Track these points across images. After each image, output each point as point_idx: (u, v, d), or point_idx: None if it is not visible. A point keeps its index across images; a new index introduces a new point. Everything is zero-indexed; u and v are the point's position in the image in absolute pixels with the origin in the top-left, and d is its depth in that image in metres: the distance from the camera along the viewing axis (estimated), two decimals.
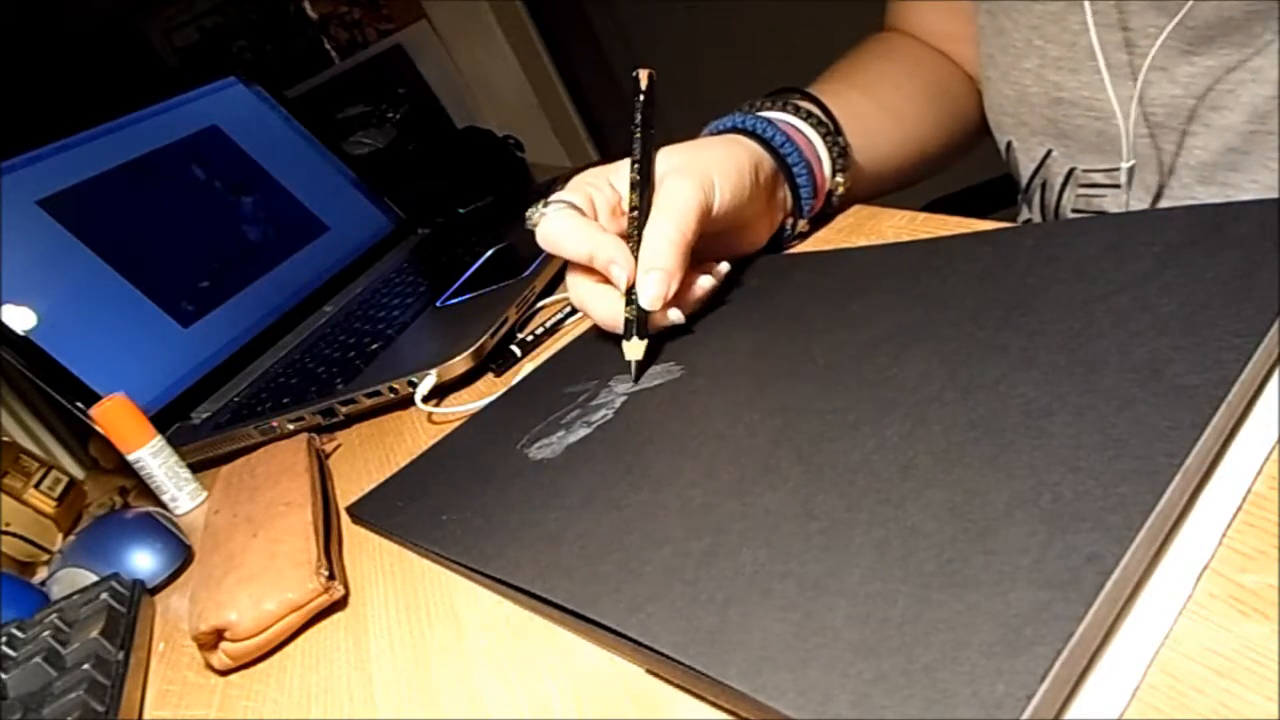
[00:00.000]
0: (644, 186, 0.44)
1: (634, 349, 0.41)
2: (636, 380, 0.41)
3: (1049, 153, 0.51)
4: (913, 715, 0.19)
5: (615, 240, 0.43)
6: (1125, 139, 0.44)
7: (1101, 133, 0.47)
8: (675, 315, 0.43)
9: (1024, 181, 0.54)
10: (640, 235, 0.43)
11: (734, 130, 0.48)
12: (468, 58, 1.63)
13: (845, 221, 0.52)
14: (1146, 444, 0.23)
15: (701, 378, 0.39)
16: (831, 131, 0.50)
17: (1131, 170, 0.44)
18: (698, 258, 0.44)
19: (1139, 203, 0.47)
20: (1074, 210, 0.50)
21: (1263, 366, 0.25)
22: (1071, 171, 0.50)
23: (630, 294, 0.42)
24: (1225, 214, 0.31)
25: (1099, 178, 0.48)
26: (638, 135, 0.46)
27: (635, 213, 0.44)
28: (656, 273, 0.41)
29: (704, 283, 0.45)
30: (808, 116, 0.50)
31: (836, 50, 0.63)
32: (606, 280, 0.43)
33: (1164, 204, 0.46)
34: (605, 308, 0.43)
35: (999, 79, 0.52)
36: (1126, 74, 0.43)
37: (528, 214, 0.45)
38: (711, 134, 0.50)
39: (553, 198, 0.45)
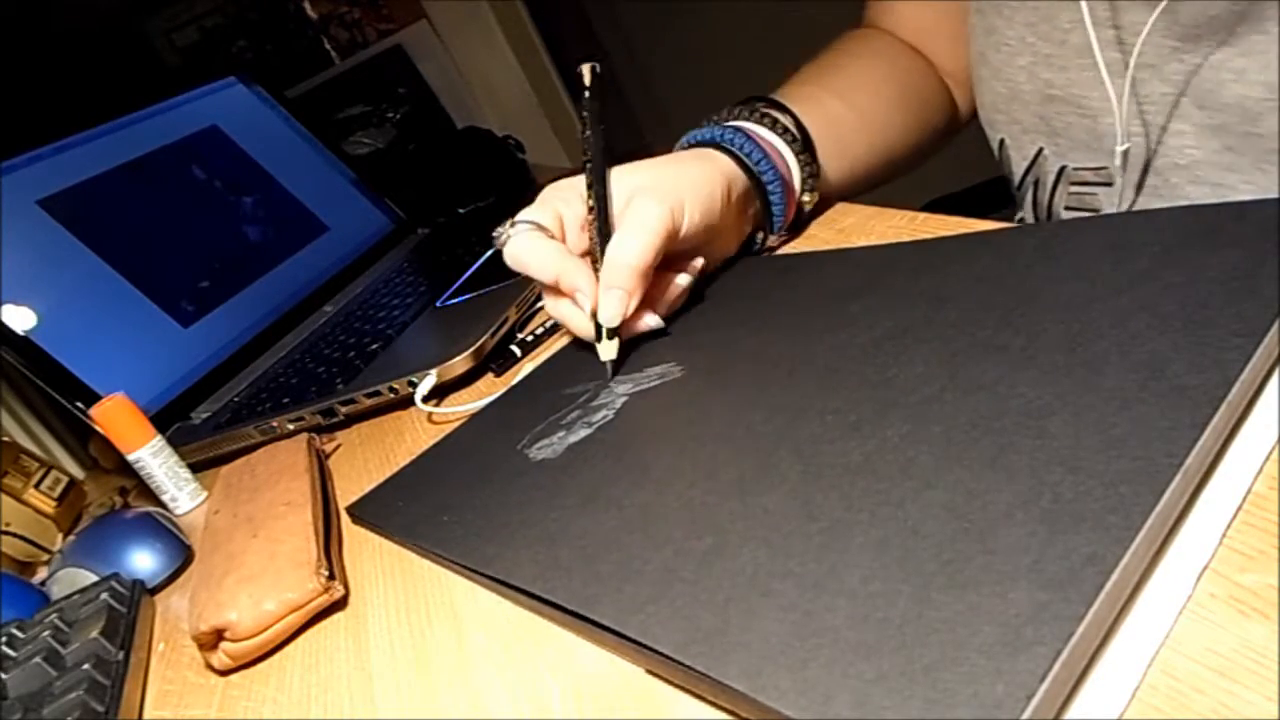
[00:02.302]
0: (599, 189, 0.45)
1: (607, 349, 0.43)
2: (612, 377, 0.42)
3: (1040, 150, 0.51)
4: (913, 715, 0.19)
5: (579, 266, 0.44)
6: (1120, 126, 0.44)
7: (1091, 130, 0.47)
8: (652, 320, 0.45)
9: (1017, 180, 0.54)
10: (599, 242, 0.44)
11: (711, 144, 0.49)
12: (468, 58, 1.63)
13: (845, 221, 0.52)
14: (1146, 444, 0.23)
15: (701, 378, 0.39)
16: (805, 149, 0.50)
17: (1126, 154, 0.44)
18: (670, 261, 0.45)
19: (1130, 201, 0.47)
20: (1066, 208, 0.51)
21: (1263, 366, 0.25)
22: (1063, 169, 0.50)
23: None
24: (1225, 214, 0.31)
25: (1089, 175, 0.49)
26: (588, 134, 0.46)
27: (593, 218, 0.45)
28: (616, 291, 0.42)
29: (681, 281, 0.46)
30: (784, 132, 0.50)
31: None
32: None
33: (1156, 204, 0.46)
34: (581, 322, 0.45)
35: (990, 77, 0.52)
36: (1118, 70, 0.43)
37: (495, 233, 0.46)
38: (687, 146, 0.50)
39: (520, 216, 0.46)
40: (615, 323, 0.42)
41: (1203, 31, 0.40)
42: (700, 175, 0.45)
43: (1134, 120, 0.44)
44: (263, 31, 1.51)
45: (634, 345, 0.45)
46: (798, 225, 0.52)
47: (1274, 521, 0.22)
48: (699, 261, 0.47)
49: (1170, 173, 0.44)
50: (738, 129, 0.49)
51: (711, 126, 0.50)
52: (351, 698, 0.33)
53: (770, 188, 0.48)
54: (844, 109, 0.56)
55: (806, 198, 0.51)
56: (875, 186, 0.61)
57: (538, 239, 0.45)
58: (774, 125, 0.50)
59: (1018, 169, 0.54)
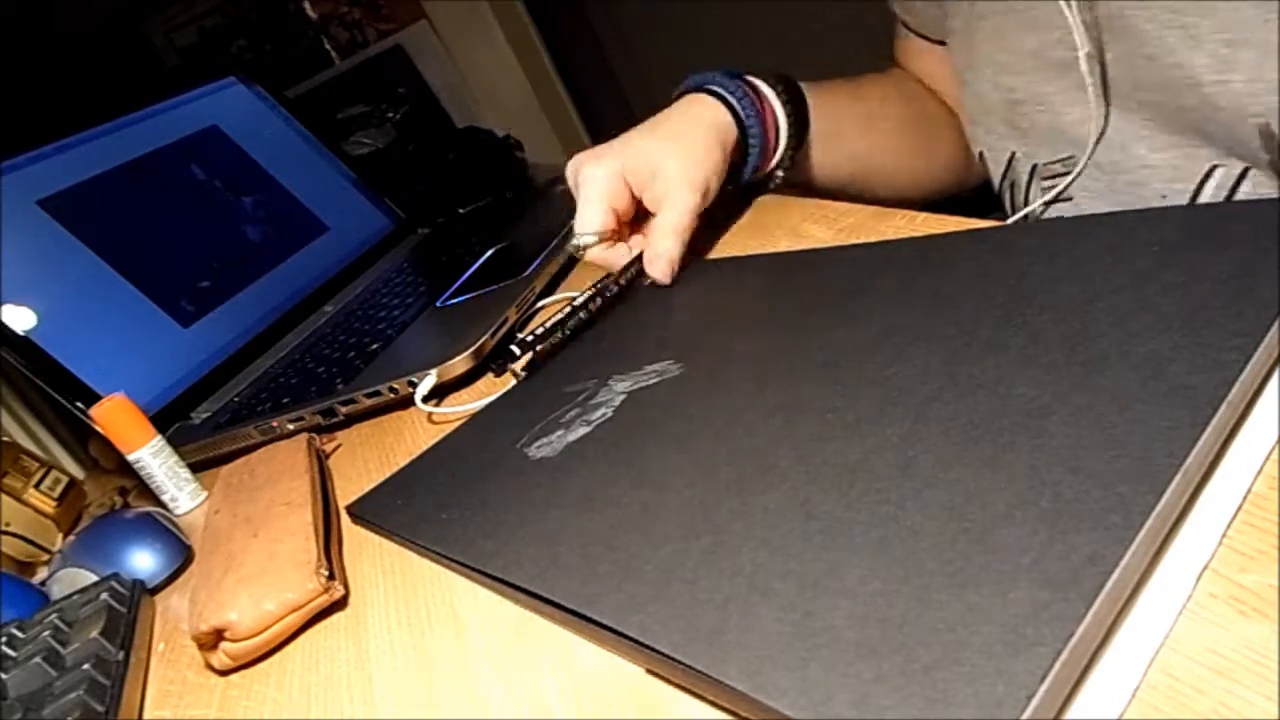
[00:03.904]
0: None
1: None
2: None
3: (1012, 155, 0.54)
4: (913, 715, 0.19)
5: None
6: (1078, 37, 0.45)
7: (1053, 123, 0.50)
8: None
9: (996, 187, 0.58)
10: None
11: (712, 94, 0.54)
12: (468, 58, 1.63)
13: (845, 221, 0.52)
14: (1146, 444, 0.23)
15: (700, 376, 0.39)
16: (793, 100, 0.56)
17: (1089, 56, 0.46)
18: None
19: (1093, 179, 0.50)
20: (1043, 203, 0.53)
21: (1263, 366, 0.25)
22: (1034, 168, 0.53)
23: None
24: (1225, 214, 0.31)
25: (1057, 168, 0.52)
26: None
27: None
28: (660, 259, 0.51)
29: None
30: (784, 91, 0.56)
31: (834, 51, 0.64)
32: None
33: (1118, 179, 0.49)
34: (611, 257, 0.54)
35: (968, 96, 0.56)
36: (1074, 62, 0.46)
37: (570, 246, 0.54)
38: (694, 89, 0.56)
39: (579, 231, 0.53)
40: (668, 279, 0.51)
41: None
42: (713, 147, 0.52)
43: (1082, 102, 0.47)
44: (263, 31, 1.51)
45: (633, 338, 0.45)
46: (763, 192, 0.58)
47: (1274, 521, 0.22)
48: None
49: (1133, 145, 0.47)
50: (744, 83, 0.55)
51: (716, 74, 0.56)
52: (351, 698, 0.33)
53: (751, 132, 0.54)
54: (851, 101, 0.61)
55: (783, 144, 0.56)
56: (875, 198, 0.63)
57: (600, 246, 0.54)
58: (775, 83, 0.56)
59: (995, 178, 0.57)
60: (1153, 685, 0.20)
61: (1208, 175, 0.45)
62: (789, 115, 0.56)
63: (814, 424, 0.31)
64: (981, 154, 0.57)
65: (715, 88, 0.55)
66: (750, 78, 0.56)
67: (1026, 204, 0.54)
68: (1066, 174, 0.51)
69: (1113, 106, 0.47)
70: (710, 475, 0.31)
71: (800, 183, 0.59)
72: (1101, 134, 0.48)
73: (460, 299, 0.66)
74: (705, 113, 0.53)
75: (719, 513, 0.29)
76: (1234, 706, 0.18)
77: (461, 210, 1.00)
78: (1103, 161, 0.49)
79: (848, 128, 0.60)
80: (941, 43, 0.60)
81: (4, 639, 0.42)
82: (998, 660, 0.19)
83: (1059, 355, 0.28)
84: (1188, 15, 0.41)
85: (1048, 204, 0.53)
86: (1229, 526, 0.22)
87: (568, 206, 0.57)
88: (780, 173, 0.57)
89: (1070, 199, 0.51)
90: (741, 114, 0.54)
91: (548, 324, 0.57)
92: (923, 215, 0.47)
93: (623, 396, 0.40)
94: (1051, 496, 0.23)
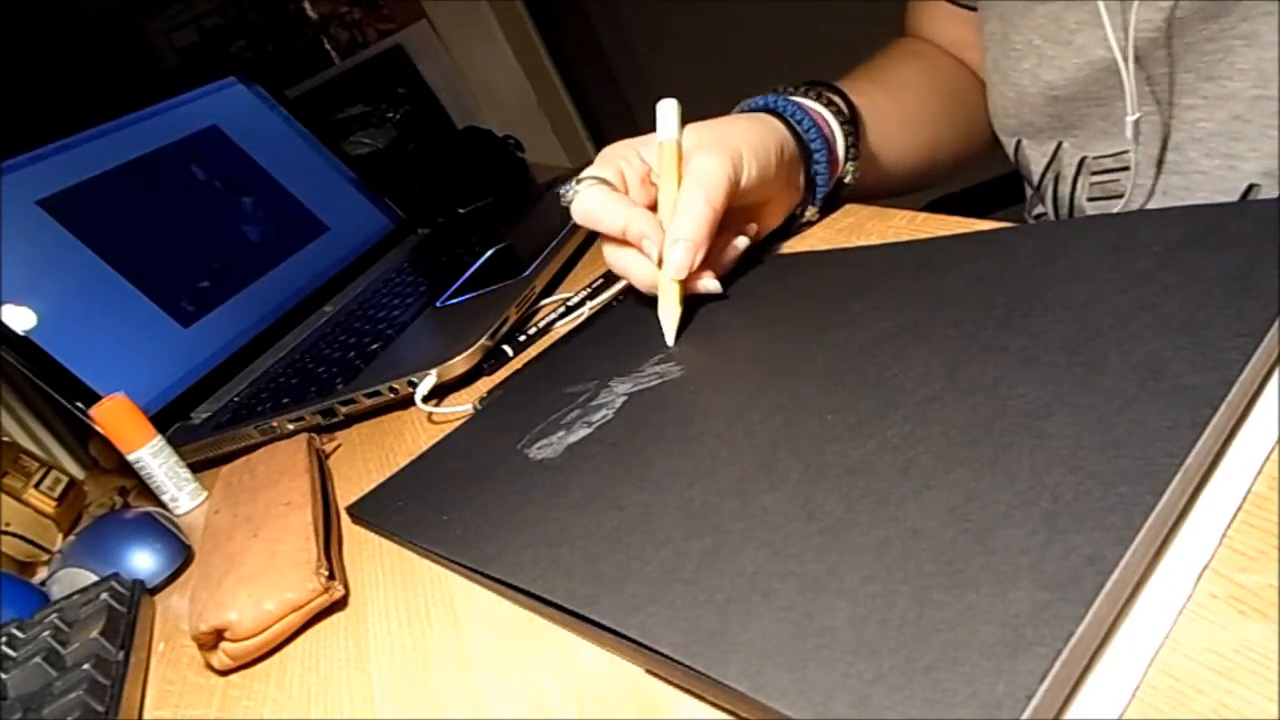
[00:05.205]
0: None
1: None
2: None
3: (1059, 145, 0.52)
4: (913, 715, 0.19)
5: (646, 214, 0.45)
6: (1129, 98, 0.44)
7: (1106, 117, 0.48)
8: (711, 284, 0.45)
9: (1036, 178, 0.54)
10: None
11: (765, 110, 0.50)
12: (468, 58, 1.63)
13: (845, 221, 0.52)
14: (1146, 444, 0.23)
15: (701, 378, 0.39)
16: (849, 121, 0.52)
17: (1137, 124, 0.45)
18: (724, 225, 0.46)
19: (1146, 178, 0.48)
20: (1089, 199, 0.52)
21: (1263, 366, 0.25)
22: (1083, 161, 0.51)
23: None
24: (1225, 214, 0.31)
25: (1109, 163, 0.50)
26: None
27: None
28: (684, 243, 0.43)
29: (739, 243, 0.47)
30: (829, 104, 0.52)
31: (834, 47, 0.63)
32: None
33: (1174, 180, 0.47)
34: (643, 272, 0.46)
35: (1000, 82, 0.54)
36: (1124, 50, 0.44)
37: (561, 191, 0.48)
38: (743, 111, 0.52)
39: (585, 174, 0.47)
40: (683, 274, 0.43)
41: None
42: (757, 132, 0.47)
43: (1147, 99, 0.45)
44: (263, 31, 1.51)
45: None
46: (833, 206, 0.53)
47: (1274, 521, 0.22)
48: (753, 225, 0.48)
49: (1187, 147, 0.45)
50: (791, 101, 0.51)
51: (767, 96, 0.52)
52: (351, 698, 0.33)
53: (816, 156, 0.50)
54: (892, 107, 0.58)
55: (850, 166, 0.52)
56: (918, 188, 0.63)
57: (604, 192, 0.46)
58: (819, 97, 0.52)
59: (1037, 167, 0.55)
60: (1153, 685, 0.20)
61: (1247, 193, 0.43)
62: (829, 108, 0.52)
63: (814, 425, 0.31)
64: (1019, 142, 0.55)
65: (767, 106, 0.51)
66: (796, 98, 0.52)
67: (1074, 198, 0.53)
68: (1119, 169, 0.49)
69: (1173, 104, 0.45)
70: (711, 476, 0.31)
71: (866, 190, 0.55)
72: (1165, 139, 0.46)
73: (460, 299, 0.66)
74: (754, 119, 0.49)
75: (719, 514, 0.29)
76: (1234, 706, 0.18)
77: (461, 210, 1.00)
78: (1156, 156, 0.47)
79: (893, 126, 0.58)
80: (971, 8, 0.58)
81: (4, 639, 0.42)
82: (998, 660, 0.19)
83: (1059, 356, 0.28)
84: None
85: (1095, 201, 0.51)
86: (1229, 526, 0.22)
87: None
88: (851, 167, 0.52)
89: (1122, 196, 0.49)
90: (794, 122, 0.49)
91: (541, 324, 0.57)
92: (923, 215, 0.47)
93: (624, 398, 0.40)
94: (1051, 497, 0.23)
